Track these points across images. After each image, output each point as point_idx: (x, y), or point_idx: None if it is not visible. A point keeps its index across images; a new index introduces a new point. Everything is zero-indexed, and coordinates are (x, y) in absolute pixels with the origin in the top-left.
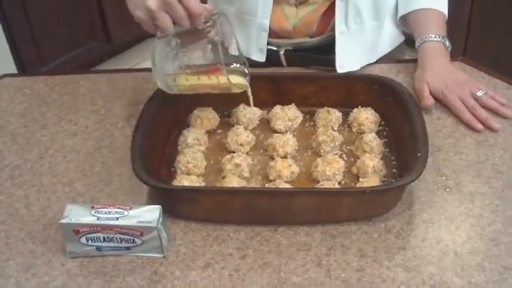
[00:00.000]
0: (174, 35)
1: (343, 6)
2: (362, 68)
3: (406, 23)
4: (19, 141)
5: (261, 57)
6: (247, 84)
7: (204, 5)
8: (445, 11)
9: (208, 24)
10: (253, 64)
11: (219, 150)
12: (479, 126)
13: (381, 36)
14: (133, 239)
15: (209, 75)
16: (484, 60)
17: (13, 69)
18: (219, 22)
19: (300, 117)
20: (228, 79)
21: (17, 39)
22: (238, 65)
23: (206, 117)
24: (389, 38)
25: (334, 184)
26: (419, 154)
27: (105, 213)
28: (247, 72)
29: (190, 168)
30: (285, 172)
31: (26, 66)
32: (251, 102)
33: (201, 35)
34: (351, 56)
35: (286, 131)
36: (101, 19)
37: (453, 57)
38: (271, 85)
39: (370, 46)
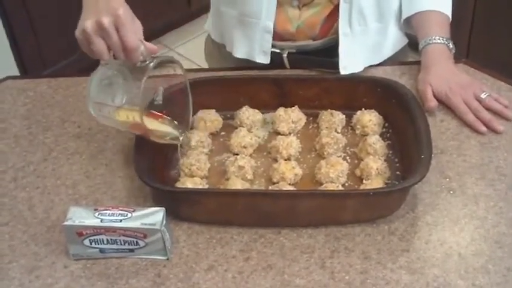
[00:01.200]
0: (114, 66)
1: (347, 7)
2: (365, 70)
3: (409, 25)
4: (22, 143)
5: (264, 59)
6: (178, 142)
7: (149, 44)
8: (449, 13)
9: (147, 63)
10: (256, 66)
11: (222, 152)
12: (483, 128)
13: (384, 39)
14: (136, 241)
15: (128, 114)
16: (488, 62)
17: (15, 71)
18: (153, 66)
19: (303, 119)
20: (143, 123)
21: (19, 41)
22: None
23: (209, 120)
24: (392, 40)
25: (337, 186)
26: (422, 156)
27: (109, 215)
28: (183, 134)
29: (194, 170)
30: (288, 174)
31: (28, 68)
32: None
33: (138, 73)
34: (354, 58)
35: (289, 133)
36: None
37: (456, 59)
38: (274, 87)
39: (374, 48)
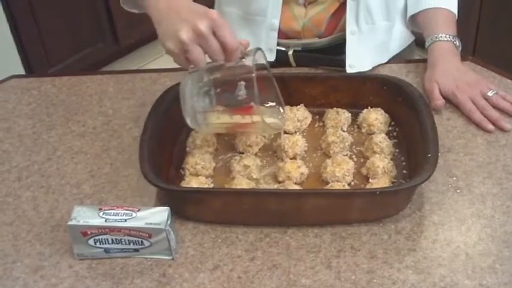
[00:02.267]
0: (206, 70)
1: (354, 5)
2: (372, 68)
3: (415, 22)
4: (27, 142)
5: (270, 57)
6: (282, 125)
7: (240, 39)
8: (455, 10)
9: (243, 60)
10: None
11: (227, 152)
12: (490, 126)
13: (391, 37)
14: (141, 241)
15: (242, 115)
16: (494, 60)
17: (20, 70)
18: (255, 58)
19: (309, 117)
20: (263, 119)
21: (25, 40)
22: (273, 103)
23: None
24: (399, 38)
25: (343, 185)
26: (429, 155)
27: (113, 214)
28: (282, 111)
29: (199, 169)
30: (294, 173)
31: (33, 67)
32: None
33: (236, 71)
34: (361, 57)
35: (295, 132)
36: (108, 20)
37: (463, 56)
38: (279, 85)
39: (381, 47)
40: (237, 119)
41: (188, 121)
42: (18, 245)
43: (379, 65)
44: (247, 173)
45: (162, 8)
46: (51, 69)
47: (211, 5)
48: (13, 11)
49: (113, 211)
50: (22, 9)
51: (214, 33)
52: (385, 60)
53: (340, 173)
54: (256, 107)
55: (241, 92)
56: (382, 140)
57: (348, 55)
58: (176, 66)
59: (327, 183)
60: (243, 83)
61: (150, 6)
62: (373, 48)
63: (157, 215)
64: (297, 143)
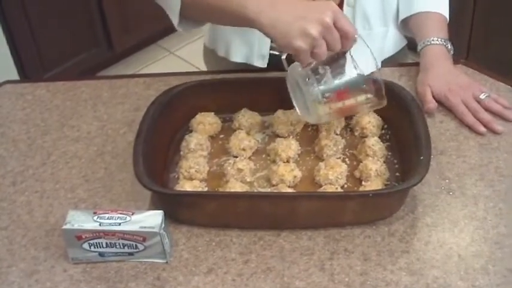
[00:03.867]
0: (318, 63)
1: (350, 11)
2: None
3: (407, 26)
4: (21, 147)
5: (262, 64)
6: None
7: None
8: (447, 14)
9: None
10: (254, 69)
11: (221, 155)
12: (482, 129)
13: (386, 41)
14: (135, 245)
15: (340, 100)
16: (487, 63)
17: (15, 76)
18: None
19: (302, 121)
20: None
21: (19, 45)
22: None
23: (208, 122)
24: (392, 41)
25: (337, 188)
26: (422, 157)
27: (108, 218)
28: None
29: (193, 173)
30: (287, 176)
31: (27, 73)
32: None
33: (340, 57)
34: (358, 62)
35: (288, 136)
36: (103, 26)
37: (455, 60)
38: (273, 90)
39: (378, 52)
40: (350, 102)
41: (299, 111)
42: (13, 249)
43: None
44: (241, 177)
45: (271, 11)
46: (46, 75)
47: None
48: (7, 16)
49: (107, 215)
50: (16, 15)
51: (335, 24)
52: (380, 66)
53: (333, 176)
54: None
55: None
56: (375, 143)
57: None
58: (170, 71)
59: (320, 186)
60: (352, 64)
61: (249, 9)
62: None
63: (152, 219)
64: (290, 147)
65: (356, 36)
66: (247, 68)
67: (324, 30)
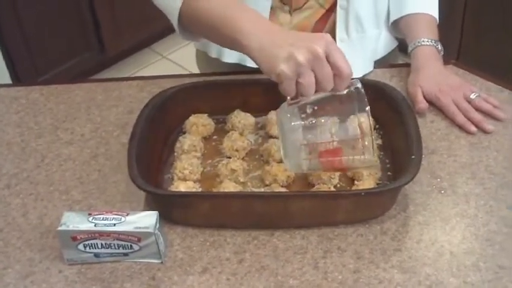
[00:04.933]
0: (307, 102)
1: (343, 14)
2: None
3: (398, 28)
4: (15, 150)
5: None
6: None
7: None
8: (436, 15)
9: (347, 91)
10: (247, 71)
11: (214, 156)
12: (473, 128)
13: (379, 43)
14: (130, 245)
15: (330, 157)
16: (478, 65)
17: (8, 80)
18: (358, 89)
19: None
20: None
21: (12, 50)
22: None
23: (202, 124)
24: (384, 43)
25: (329, 188)
26: (413, 156)
27: (103, 219)
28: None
29: (187, 174)
30: (280, 176)
31: (20, 77)
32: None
33: (341, 102)
34: (351, 64)
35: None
36: (95, 30)
37: (445, 60)
38: (265, 91)
39: (371, 54)
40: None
41: (288, 162)
42: (8, 251)
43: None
44: (235, 177)
45: (261, 33)
46: (39, 79)
47: None
48: (0, 21)
49: (102, 216)
50: (8, 20)
51: (327, 58)
52: (373, 68)
53: (326, 175)
54: (345, 149)
55: (350, 128)
56: None
57: None
58: (162, 73)
59: (313, 185)
60: (351, 117)
61: (243, 33)
62: (363, 56)
63: (146, 219)
64: None
65: (353, 78)
66: (241, 69)
67: (312, 59)
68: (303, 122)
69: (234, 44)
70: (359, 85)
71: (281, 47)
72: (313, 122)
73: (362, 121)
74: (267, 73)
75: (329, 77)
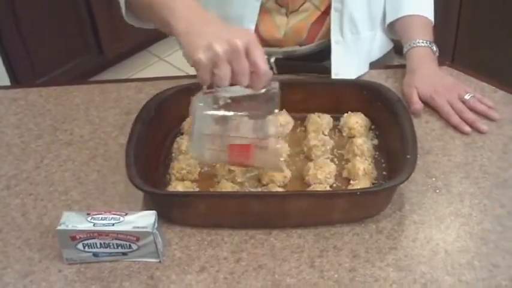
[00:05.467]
0: (222, 94)
1: (337, 15)
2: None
3: (393, 30)
4: (15, 151)
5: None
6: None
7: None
8: (432, 17)
9: (263, 91)
10: None
11: None
12: (467, 128)
13: (373, 44)
14: (129, 245)
15: (238, 151)
16: (473, 67)
17: (6, 82)
18: (277, 93)
19: (291, 122)
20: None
21: (10, 53)
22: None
23: None
24: (380, 45)
25: (325, 187)
26: (408, 156)
27: (101, 219)
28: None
29: (184, 174)
30: (277, 177)
31: (19, 80)
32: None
33: (257, 102)
34: (346, 66)
35: (278, 137)
36: (93, 32)
37: (440, 61)
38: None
39: (366, 55)
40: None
41: (191, 148)
42: (8, 251)
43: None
44: (232, 177)
45: (192, 19)
46: (37, 82)
47: None
48: None
49: (100, 216)
50: (7, 22)
51: (247, 54)
52: (368, 69)
53: (322, 175)
54: (255, 147)
55: (257, 127)
56: (362, 143)
57: (333, 64)
58: (160, 75)
59: (310, 185)
60: (263, 119)
61: (175, 16)
62: (358, 57)
63: (145, 219)
64: None
65: (272, 83)
66: None
67: (230, 51)
68: (213, 113)
69: (166, 26)
70: (276, 89)
71: (204, 35)
72: (224, 114)
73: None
74: (186, 58)
75: (245, 71)
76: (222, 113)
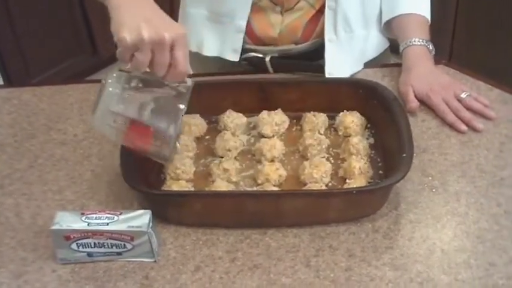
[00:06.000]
0: (136, 76)
1: (331, 14)
2: (350, 75)
3: (390, 28)
4: (8, 151)
5: (234, 57)
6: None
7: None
8: (428, 16)
9: (176, 85)
10: (239, 71)
11: (207, 156)
12: (463, 127)
13: (368, 43)
14: (124, 244)
15: (139, 133)
16: (470, 66)
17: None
18: (189, 90)
19: (286, 121)
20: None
21: (4, 53)
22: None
23: (194, 124)
24: (375, 44)
25: (321, 186)
26: (404, 155)
27: (96, 218)
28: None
29: (179, 173)
30: (273, 176)
31: (13, 80)
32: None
33: (165, 94)
34: (340, 64)
35: (273, 136)
36: (87, 32)
37: (436, 60)
38: (257, 91)
39: (359, 54)
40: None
41: (97, 115)
42: (2, 251)
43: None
44: (227, 176)
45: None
46: (32, 82)
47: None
48: None
49: (95, 215)
50: (1, 22)
51: (172, 48)
52: (362, 67)
53: (318, 174)
54: (153, 132)
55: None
56: (358, 142)
57: (327, 62)
58: None
59: (305, 184)
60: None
61: None
62: (351, 56)
63: (139, 218)
64: (275, 146)
65: (188, 81)
66: (221, 63)
67: (156, 41)
68: (120, 91)
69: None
70: (189, 87)
71: (135, 16)
72: (132, 95)
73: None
74: (112, 32)
75: (164, 64)
76: (131, 94)
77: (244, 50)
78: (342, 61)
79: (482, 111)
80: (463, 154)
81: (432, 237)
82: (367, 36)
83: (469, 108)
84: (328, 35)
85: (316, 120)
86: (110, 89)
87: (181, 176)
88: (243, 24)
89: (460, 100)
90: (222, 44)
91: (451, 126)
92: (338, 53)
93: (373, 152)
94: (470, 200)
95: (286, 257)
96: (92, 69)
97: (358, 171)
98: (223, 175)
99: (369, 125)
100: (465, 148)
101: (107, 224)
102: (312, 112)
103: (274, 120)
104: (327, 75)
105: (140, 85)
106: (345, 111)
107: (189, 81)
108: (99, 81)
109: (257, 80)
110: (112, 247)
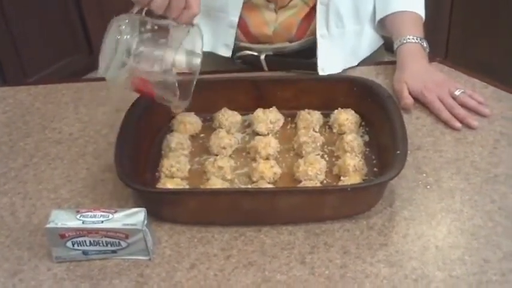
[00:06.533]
0: (150, 19)
1: (323, 9)
2: (343, 70)
3: (384, 26)
4: (3, 149)
5: (226, 52)
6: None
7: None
8: (422, 13)
9: (184, 26)
10: (234, 69)
11: (202, 154)
12: (458, 124)
13: (361, 40)
14: (118, 242)
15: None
16: (466, 64)
17: None
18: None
19: (281, 119)
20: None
21: (0, 52)
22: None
23: (189, 122)
24: (369, 41)
25: (316, 184)
26: (398, 152)
27: (91, 217)
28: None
29: (174, 171)
30: (267, 173)
31: (9, 80)
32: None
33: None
34: (332, 59)
35: (268, 134)
36: (83, 31)
37: (431, 57)
38: (252, 89)
39: (351, 50)
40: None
41: (108, 70)
42: None
43: (349, 68)
44: (222, 174)
45: None
46: (27, 81)
47: None
48: None
49: (90, 213)
50: None
51: None
52: (356, 63)
53: (313, 172)
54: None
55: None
56: (352, 139)
57: (319, 58)
58: None
59: (300, 182)
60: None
61: None
62: (344, 51)
63: (134, 216)
64: (269, 144)
65: (195, 20)
66: (215, 59)
67: None
68: (139, 33)
69: None
70: (198, 28)
71: None
72: (150, 37)
73: None
74: None
75: (179, 7)
76: (149, 36)
77: (239, 49)
78: (334, 57)
79: (476, 109)
80: (457, 151)
81: (427, 233)
82: (359, 32)
83: (463, 106)
84: (320, 31)
85: (311, 118)
86: (124, 38)
87: (176, 174)
88: (235, 20)
89: (454, 97)
90: (215, 39)
91: (446, 123)
92: (330, 49)
93: (367, 149)
94: (464, 197)
95: (281, 254)
96: (88, 69)
97: (353, 168)
98: (218, 173)
99: (363, 123)
100: (459, 145)
101: (102, 222)
102: (306, 110)
103: (269, 118)
104: (319, 71)
105: (156, 27)
106: (339, 109)
107: (197, 24)
108: (94, 79)
109: (252, 78)
110: (107, 245)
